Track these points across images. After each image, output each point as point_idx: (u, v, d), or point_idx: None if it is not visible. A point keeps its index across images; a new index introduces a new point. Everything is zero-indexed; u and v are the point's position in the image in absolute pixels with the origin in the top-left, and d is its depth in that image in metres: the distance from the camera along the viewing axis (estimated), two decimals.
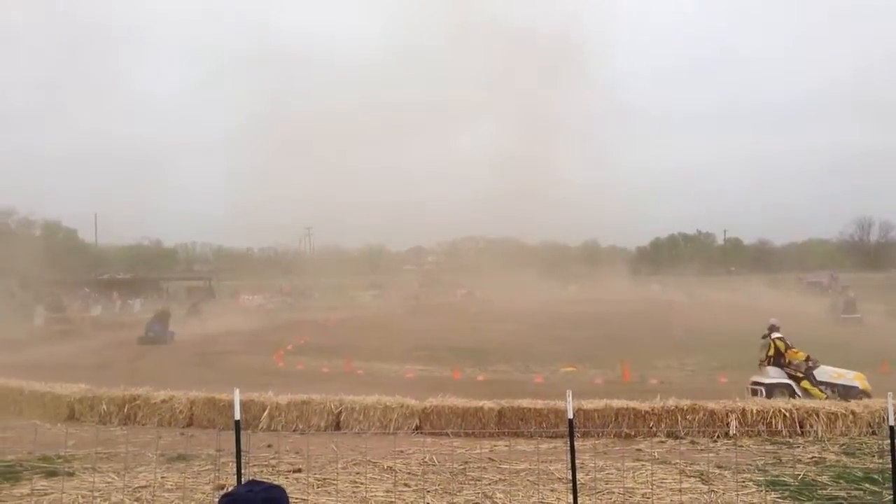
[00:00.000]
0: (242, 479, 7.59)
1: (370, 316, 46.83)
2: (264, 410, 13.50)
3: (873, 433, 12.46)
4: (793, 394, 14.86)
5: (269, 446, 11.65)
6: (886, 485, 8.04)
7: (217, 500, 2.08)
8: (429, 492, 9.48)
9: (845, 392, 14.78)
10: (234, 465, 7.43)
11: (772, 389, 15.10)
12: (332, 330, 38.22)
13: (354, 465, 10.54)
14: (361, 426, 12.96)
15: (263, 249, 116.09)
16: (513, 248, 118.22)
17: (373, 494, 9.28)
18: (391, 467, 10.28)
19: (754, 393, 15.19)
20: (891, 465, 7.94)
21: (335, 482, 9.51)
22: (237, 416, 7.44)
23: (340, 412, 13.25)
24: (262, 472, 10.21)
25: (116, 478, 9.70)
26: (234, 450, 7.43)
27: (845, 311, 39.76)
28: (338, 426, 13.20)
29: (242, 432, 7.68)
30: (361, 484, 9.62)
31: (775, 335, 16.05)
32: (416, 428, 12.99)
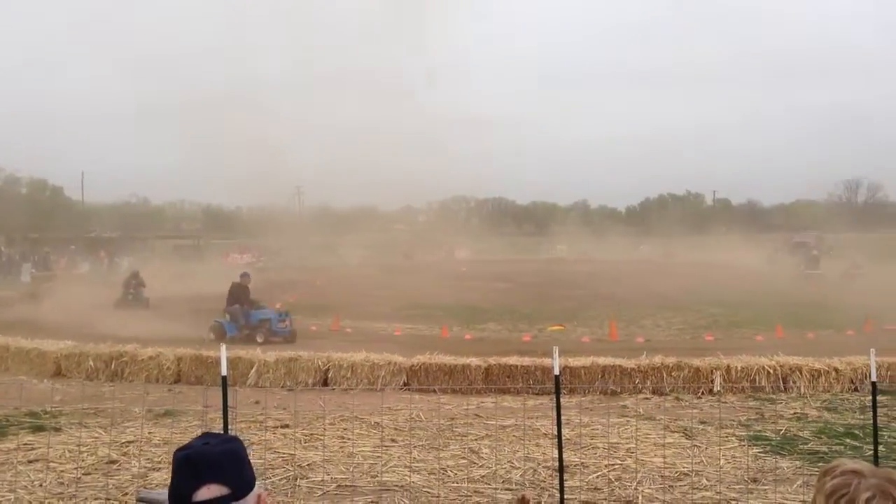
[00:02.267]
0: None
1: (360, 275, 46.86)
2: (252, 367, 13.53)
3: (855, 390, 12.61)
4: None
5: (257, 402, 11.69)
6: (867, 440, 8.13)
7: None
8: (415, 447, 9.55)
9: None
10: (222, 420, 7.44)
11: None
12: (321, 289, 38.25)
13: (342, 420, 10.61)
14: (349, 383, 13.02)
15: (252, 209, 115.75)
16: (503, 207, 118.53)
17: (360, 449, 9.35)
18: (378, 423, 10.35)
19: None
20: (872, 421, 8.04)
21: (322, 437, 9.56)
22: (224, 372, 7.43)
23: (328, 369, 13.30)
24: (248, 427, 10.26)
25: (103, 433, 9.73)
26: (221, 406, 7.44)
27: (808, 268, 42.21)
28: (325, 383, 13.26)
29: (230, 389, 7.69)
30: (349, 439, 9.68)
31: None
32: (404, 385, 13.07)
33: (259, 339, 18.79)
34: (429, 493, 8.05)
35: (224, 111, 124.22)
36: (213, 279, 31.42)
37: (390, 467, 8.78)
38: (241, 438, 2.11)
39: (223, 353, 7.51)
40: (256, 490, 2.03)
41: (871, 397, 8.00)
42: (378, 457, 8.95)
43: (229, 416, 7.63)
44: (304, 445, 9.55)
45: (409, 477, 8.45)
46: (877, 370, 8.69)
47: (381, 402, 11.06)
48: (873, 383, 7.96)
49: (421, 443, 9.77)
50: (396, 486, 8.25)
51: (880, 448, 8.58)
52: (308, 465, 8.84)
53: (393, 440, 9.92)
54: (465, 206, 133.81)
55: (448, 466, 8.85)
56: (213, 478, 1.96)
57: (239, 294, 20.36)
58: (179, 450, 2.00)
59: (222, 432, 1.84)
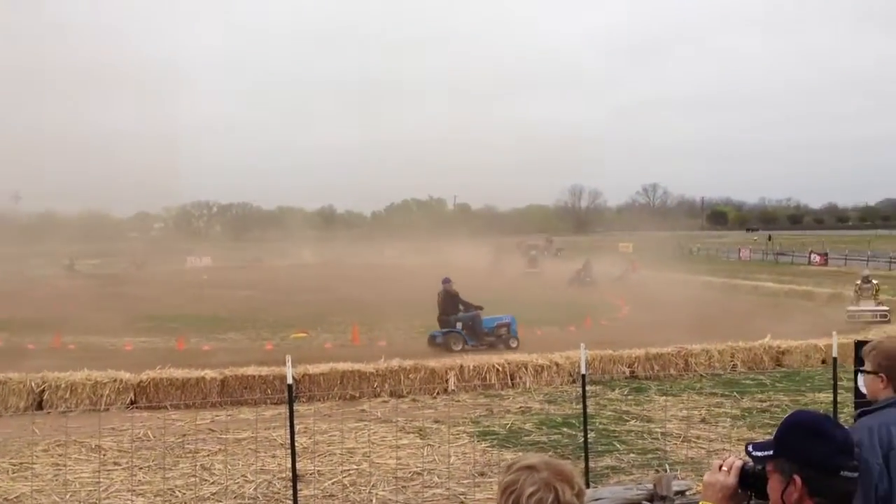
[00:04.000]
0: None
1: (86, 286, 43.44)
2: None
3: (573, 382, 13.68)
4: None
5: None
6: (581, 427, 8.84)
7: None
8: (141, 468, 9.01)
9: None
10: None
11: None
12: (39, 302, 34.95)
13: (57, 446, 9.74)
14: (68, 404, 11.98)
15: None
16: (248, 213, 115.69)
17: (77, 476, 8.65)
18: (99, 446, 9.62)
19: None
20: (582, 410, 8.75)
21: (33, 466, 8.72)
22: None
23: (43, 390, 12.14)
24: None
25: None
26: None
27: (528, 267, 46.58)
28: (40, 406, 12.10)
29: None
30: (64, 466, 8.91)
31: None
32: (132, 403, 12.25)
33: None
34: None
35: None
36: None
37: (111, 493, 8.21)
38: None
39: None
40: None
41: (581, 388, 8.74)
42: (97, 482, 8.31)
43: None
44: (13, 476, 8.66)
45: (133, 501, 7.95)
46: (587, 363, 9.50)
47: (103, 424, 10.30)
48: (583, 375, 8.69)
49: (147, 464, 9.24)
50: None
51: (591, 434, 9.38)
52: (16, 497, 8.03)
53: (116, 463, 9.28)
54: (206, 212, 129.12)
55: (176, 486, 8.44)
56: None
57: None
58: None
59: None
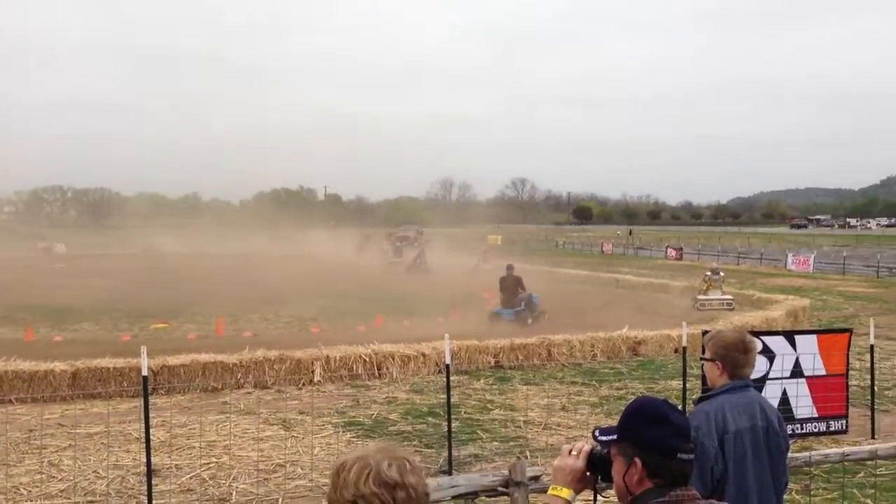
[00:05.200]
0: None
1: None
2: None
3: (440, 372, 13.82)
4: None
5: None
6: (446, 417, 8.95)
7: None
8: None
9: None
10: None
11: None
12: None
13: None
14: None
15: None
16: (105, 199, 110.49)
17: None
18: None
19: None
20: (446, 400, 8.87)
21: None
22: None
23: None
24: None
25: None
26: None
27: (393, 256, 47.35)
28: None
29: None
30: None
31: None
32: None
33: None
34: None
35: None
36: None
37: None
38: None
39: None
40: None
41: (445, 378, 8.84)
42: None
43: None
44: None
45: None
46: (452, 353, 9.63)
47: None
48: (447, 365, 8.80)
49: None
50: None
51: (455, 423, 9.52)
52: None
53: None
54: (60, 196, 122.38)
55: (21, 484, 7.99)
56: None
57: None
58: None
59: None
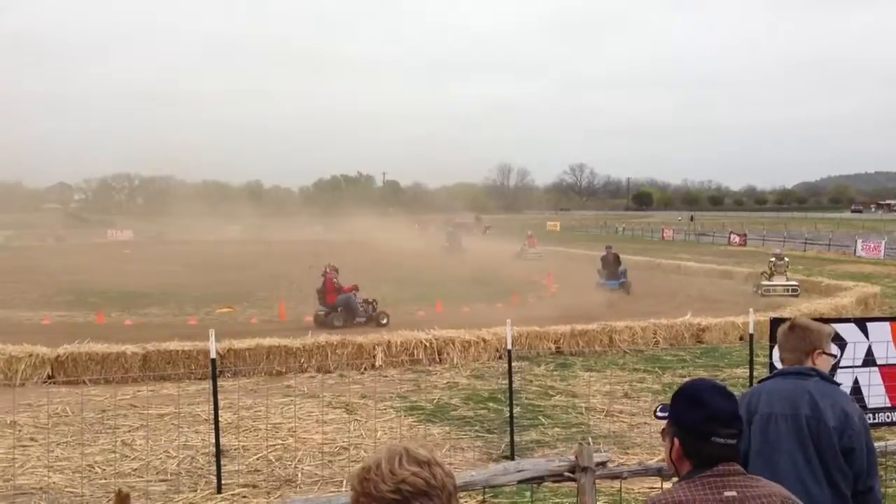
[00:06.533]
0: None
1: (2, 259, 41.88)
2: None
3: (500, 357, 13.81)
4: None
5: None
6: (507, 402, 8.95)
7: None
8: (59, 444, 8.77)
9: None
10: None
11: None
12: None
13: None
14: None
15: None
16: (172, 187, 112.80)
17: None
18: (14, 422, 9.31)
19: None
20: (508, 385, 8.87)
21: None
22: None
23: None
24: None
25: None
26: None
27: (446, 242, 47.74)
28: None
29: None
30: None
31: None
32: (49, 378, 11.90)
33: None
34: (72, 493, 7.44)
35: None
36: None
37: (27, 469, 7.98)
38: None
39: None
40: None
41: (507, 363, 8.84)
42: (13, 459, 8.05)
43: None
44: None
45: (50, 477, 7.74)
46: (513, 339, 9.61)
47: (18, 399, 9.97)
48: (508, 351, 8.79)
49: (66, 439, 9.00)
50: (34, 488, 7.51)
51: (517, 409, 9.51)
52: None
53: (32, 439, 9.01)
54: (128, 184, 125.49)
55: (96, 462, 8.24)
56: None
57: None
58: None
59: None
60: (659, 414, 2.63)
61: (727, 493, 2.32)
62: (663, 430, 2.54)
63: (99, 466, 8.14)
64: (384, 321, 19.07)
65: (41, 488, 7.50)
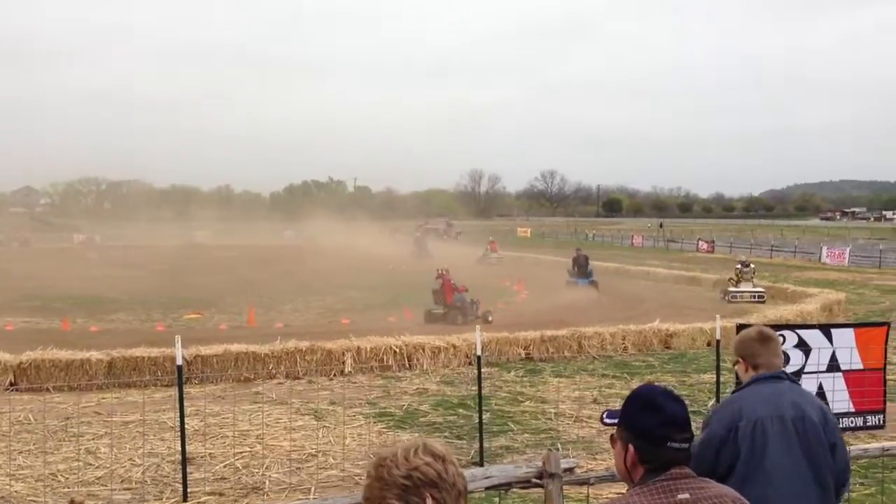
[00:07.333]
0: None
1: None
2: None
3: (470, 363, 13.81)
4: None
5: None
6: (476, 408, 8.94)
7: None
8: (21, 452, 8.63)
9: None
10: None
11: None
12: None
13: None
14: None
15: None
16: (139, 191, 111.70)
17: None
18: None
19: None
20: (477, 391, 8.86)
21: None
22: None
23: None
24: None
25: None
26: None
27: (415, 248, 47.85)
28: None
29: None
30: None
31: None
32: (11, 385, 11.70)
33: None
34: (34, 501, 7.32)
35: None
36: None
37: None
38: None
39: None
40: None
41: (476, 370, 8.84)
42: None
43: None
44: None
45: (11, 486, 7.60)
46: (483, 345, 9.62)
47: None
48: (478, 357, 8.79)
49: (28, 447, 8.84)
50: None
51: (486, 415, 9.52)
52: None
53: None
54: (95, 188, 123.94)
55: (59, 471, 8.12)
56: None
57: None
58: None
59: None
60: (607, 420, 2.57)
61: (680, 497, 2.32)
62: (612, 436, 2.52)
63: (62, 475, 8.02)
64: (490, 319, 19.77)
65: (2, 497, 7.37)
